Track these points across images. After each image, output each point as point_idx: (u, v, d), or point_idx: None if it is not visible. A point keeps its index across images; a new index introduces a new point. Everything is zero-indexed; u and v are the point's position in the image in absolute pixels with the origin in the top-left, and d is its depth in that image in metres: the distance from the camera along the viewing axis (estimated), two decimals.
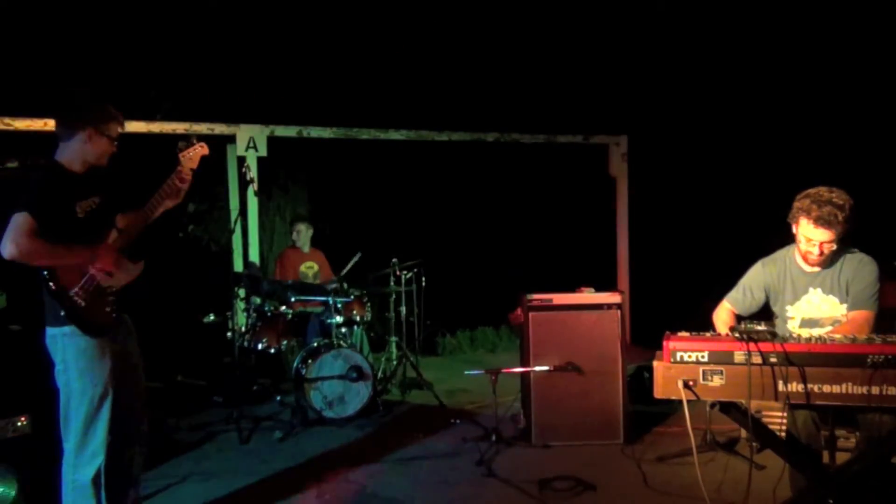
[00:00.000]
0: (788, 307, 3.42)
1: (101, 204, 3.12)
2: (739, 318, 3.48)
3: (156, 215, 3.24)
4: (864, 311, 3.27)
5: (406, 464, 4.44)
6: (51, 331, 3.01)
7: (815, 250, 3.24)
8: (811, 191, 3.25)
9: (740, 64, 8.00)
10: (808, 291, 3.38)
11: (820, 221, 3.16)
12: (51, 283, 2.94)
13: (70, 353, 2.98)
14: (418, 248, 6.60)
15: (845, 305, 3.33)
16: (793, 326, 3.39)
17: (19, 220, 2.85)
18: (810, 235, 3.22)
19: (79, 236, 3.00)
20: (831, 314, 3.34)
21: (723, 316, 3.55)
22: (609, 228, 8.13)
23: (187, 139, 3.33)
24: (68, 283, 2.96)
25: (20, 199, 2.89)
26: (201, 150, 3.34)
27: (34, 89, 6.34)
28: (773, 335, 2.82)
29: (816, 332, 3.28)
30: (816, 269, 3.36)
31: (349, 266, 5.99)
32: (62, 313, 2.94)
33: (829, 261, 3.31)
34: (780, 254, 3.50)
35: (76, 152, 3.07)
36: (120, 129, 3.19)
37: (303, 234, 6.66)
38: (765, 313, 3.52)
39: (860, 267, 3.31)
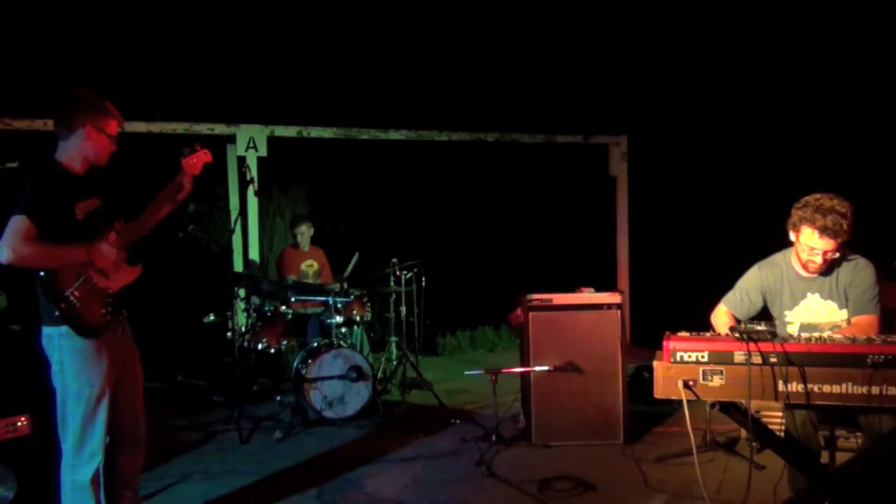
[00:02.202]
0: (787, 312, 3.41)
1: (101, 206, 3.10)
2: (738, 322, 3.46)
3: (151, 225, 3.24)
4: (867, 316, 3.26)
5: (406, 464, 4.44)
6: (47, 330, 2.98)
7: (819, 259, 3.21)
8: (810, 199, 3.21)
9: (740, 64, 8.00)
10: (806, 296, 3.37)
11: (826, 232, 3.12)
12: (46, 284, 2.91)
13: (66, 354, 2.96)
14: (418, 248, 6.60)
15: (844, 311, 3.32)
16: (792, 331, 3.36)
17: (17, 225, 2.82)
18: (814, 245, 3.18)
19: (77, 238, 2.98)
20: (830, 319, 3.33)
21: (721, 318, 3.52)
22: (609, 228, 8.14)
23: (191, 144, 3.32)
24: (64, 284, 2.94)
25: (19, 202, 2.86)
26: (204, 156, 3.32)
27: (34, 89, 6.34)
28: (773, 335, 2.82)
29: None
30: (814, 274, 3.34)
31: (350, 267, 5.99)
32: (56, 313, 2.92)
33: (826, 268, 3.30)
34: (777, 258, 3.47)
35: (76, 150, 3.05)
36: (119, 128, 3.16)
37: (305, 234, 6.66)
38: (765, 313, 3.51)
39: (857, 272, 3.29)
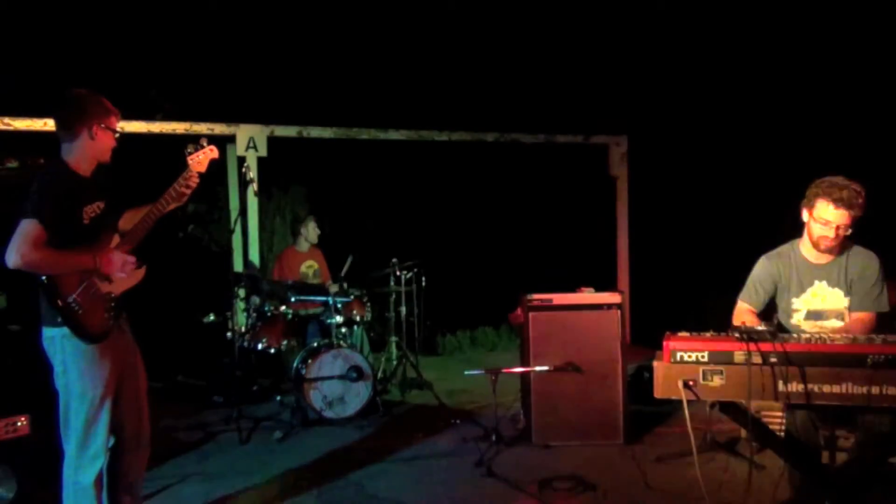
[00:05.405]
0: (794, 300, 3.43)
1: (106, 208, 3.08)
2: (759, 315, 3.46)
3: (163, 213, 3.20)
4: (868, 313, 3.30)
5: (406, 464, 4.44)
6: (48, 332, 2.95)
7: (831, 233, 3.24)
8: (825, 179, 3.28)
9: (740, 64, 8.00)
10: (813, 284, 3.40)
11: (841, 203, 3.18)
12: (48, 289, 2.87)
13: (69, 355, 2.93)
14: (418, 248, 6.60)
15: (850, 298, 3.34)
16: (798, 319, 3.40)
17: (27, 229, 2.77)
18: (829, 217, 3.22)
19: (83, 242, 2.95)
20: (836, 306, 3.37)
21: (743, 316, 3.49)
22: (609, 228, 8.13)
23: (196, 142, 3.29)
24: (66, 289, 2.89)
25: (28, 204, 2.81)
26: (210, 153, 3.29)
27: (34, 89, 6.33)
28: (774, 335, 2.82)
29: (821, 324, 3.31)
30: (822, 261, 3.36)
31: (345, 269, 6.00)
32: (59, 319, 2.89)
33: (835, 252, 3.32)
34: (783, 248, 3.51)
35: (84, 151, 3.01)
36: (118, 123, 3.14)
37: (312, 230, 6.61)
38: (765, 310, 3.52)
39: (866, 263, 3.33)
